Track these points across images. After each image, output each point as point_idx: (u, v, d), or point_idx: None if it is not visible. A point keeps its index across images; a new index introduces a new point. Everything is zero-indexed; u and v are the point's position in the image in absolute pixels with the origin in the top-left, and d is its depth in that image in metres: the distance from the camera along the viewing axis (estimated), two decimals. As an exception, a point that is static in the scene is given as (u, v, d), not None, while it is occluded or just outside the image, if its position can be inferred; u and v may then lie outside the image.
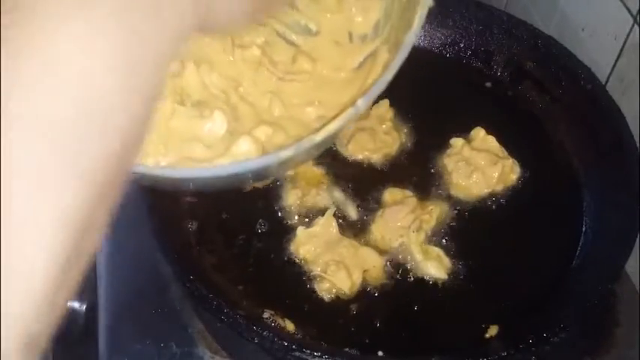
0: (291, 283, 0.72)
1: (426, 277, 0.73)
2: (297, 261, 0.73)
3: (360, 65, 0.51)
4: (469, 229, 0.77)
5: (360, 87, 0.49)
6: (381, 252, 0.74)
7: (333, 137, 0.45)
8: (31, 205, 0.26)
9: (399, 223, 0.75)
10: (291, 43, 0.53)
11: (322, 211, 0.76)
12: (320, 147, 0.45)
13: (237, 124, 0.48)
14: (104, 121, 0.28)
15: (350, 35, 0.53)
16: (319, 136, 0.43)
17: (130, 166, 0.30)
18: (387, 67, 0.44)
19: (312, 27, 0.53)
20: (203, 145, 0.46)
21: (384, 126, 0.84)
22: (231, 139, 0.47)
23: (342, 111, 0.44)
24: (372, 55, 0.51)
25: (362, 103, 0.43)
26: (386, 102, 0.84)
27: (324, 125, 0.44)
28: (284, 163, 0.45)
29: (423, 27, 0.45)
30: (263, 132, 0.47)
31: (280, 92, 0.51)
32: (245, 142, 0.46)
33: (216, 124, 0.47)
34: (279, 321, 0.69)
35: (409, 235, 0.74)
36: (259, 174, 0.48)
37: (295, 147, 0.43)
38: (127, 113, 0.29)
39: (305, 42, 0.53)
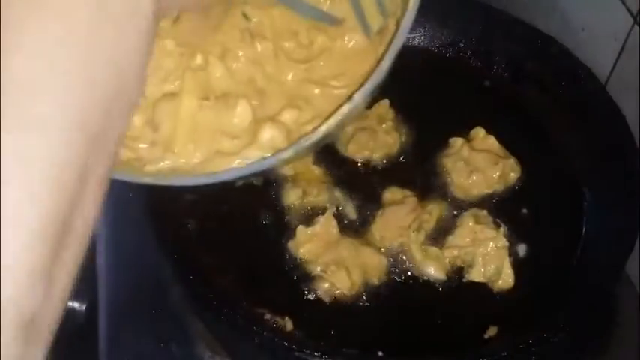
0: (291, 283, 0.72)
1: (426, 277, 0.73)
2: (296, 261, 0.73)
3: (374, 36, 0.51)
4: (469, 229, 0.77)
5: (377, 57, 0.49)
6: (381, 252, 0.74)
7: (332, 133, 0.45)
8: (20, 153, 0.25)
9: (399, 223, 0.75)
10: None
11: (322, 211, 0.76)
12: (319, 143, 0.46)
13: (264, 110, 0.49)
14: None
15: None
16: (316, 135, 0.44)
17: (123, 124, 0.31)
18: (384, 55, 0.44)
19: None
20: (230, 137, 0.47)
21: (384, 126, 0.83)
22: (256, 127, 0.47)
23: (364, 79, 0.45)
24: (383, 28, 0.51)
25: (358, 97, 0.43)
26: (386, 102, 0.84)
27: (323, 122, 0.45)
28: (284, 162, 0.46)
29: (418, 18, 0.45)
30: (288, 115, 0.48)
31: (307, 71, 0.51)
32: (269, 130, 0.47)
33: (241, 113, 0.48)
34: (279, 321, 0.69)
35: (409, 235, 0.74)
36: (261, 174, 0.49)
37: (294, 147, 0.44)
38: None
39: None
